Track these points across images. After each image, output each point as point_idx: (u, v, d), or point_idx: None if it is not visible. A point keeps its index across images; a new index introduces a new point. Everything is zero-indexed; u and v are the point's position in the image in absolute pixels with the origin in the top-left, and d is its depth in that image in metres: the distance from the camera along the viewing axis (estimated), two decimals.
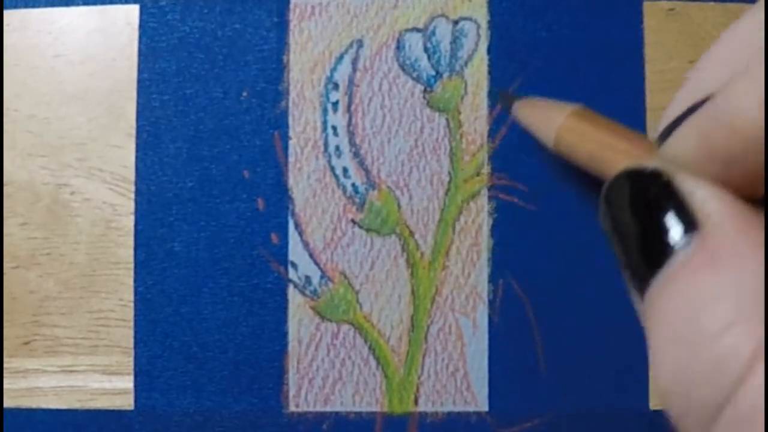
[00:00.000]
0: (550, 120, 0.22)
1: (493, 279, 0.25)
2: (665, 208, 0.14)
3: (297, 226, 0.25)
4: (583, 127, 0.21)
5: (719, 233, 0.13)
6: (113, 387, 0.25)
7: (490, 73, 0.25)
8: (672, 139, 0.15)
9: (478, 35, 0.25)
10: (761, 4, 0.14)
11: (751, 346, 0.12)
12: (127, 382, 0.25)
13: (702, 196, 0.14)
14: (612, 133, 0.20)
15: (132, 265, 0.25)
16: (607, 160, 0.19)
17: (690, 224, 0.14)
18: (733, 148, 0.13)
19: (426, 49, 0.25)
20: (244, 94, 0.25)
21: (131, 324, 0.25)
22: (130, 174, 0.25)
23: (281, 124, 0.25)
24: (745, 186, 0.14)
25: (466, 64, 0.25)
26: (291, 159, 0.25)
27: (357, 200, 0.25)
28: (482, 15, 0.25)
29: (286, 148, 0.25)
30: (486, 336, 0.24)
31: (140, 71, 0.25)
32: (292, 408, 0.24)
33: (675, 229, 0.14)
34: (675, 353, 0.13)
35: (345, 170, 0.25)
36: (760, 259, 0.13)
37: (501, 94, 0.25)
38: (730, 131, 0.13)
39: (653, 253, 0.14)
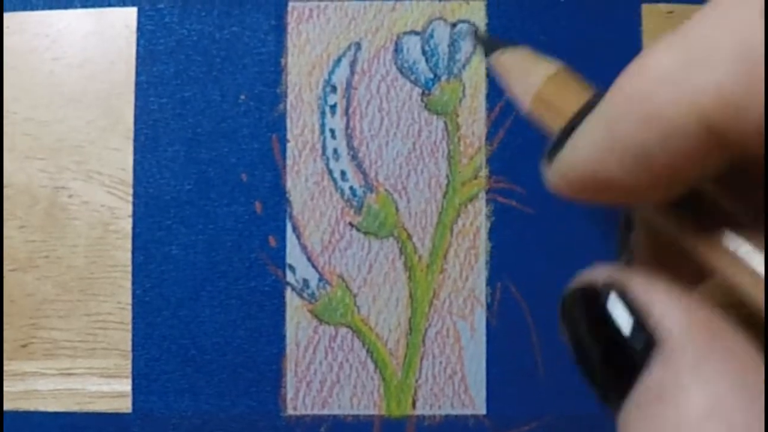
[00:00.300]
0: (527, 83, 0.20)
1: (491, 282, 0.24)
2: (623, 326, 0.13)
3: (295, 229, 0.25)
4: (557, 97, 0.19)
5: (681, 355, 0.12)
6: (111, 390, 0.25)
7: (488, 76, 0.25)
8: (573, 140, 0.13)
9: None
10: None
11: None
12: (125, 385, 0.25)
13: (660, 310, 0.12)
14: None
15: (130, 268, 0.25)
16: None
17: (650, 343, 0.12)
18: (648, 141, 0.12)
19: (424, 52, 0.25)
20: (242, 97, 0.25)
21: (129, 327, 0.25)
22: (128, 177, 0.25)
23: (279, 127, 0.25)
24: (672, 187, 0.12)
25: (464, 67, 0.25)
26: (289, 162, 0.25)
27: (355, 203, 0.25)
28: (480, 18, 0.25)
29: (284, 151, 0.25)
30: (484, 339, 0.24)
31: (138, 74, 0.25)
32: (290, 411, 0.24)
33: (636, 348, 0.12)
34: None
35: (343, 173, 0.25)
36: (731, 375, 0.12)
37: (477, 36, 0.23)
38: (645, 117, 0.11)
39: (618, 376, 0.13)
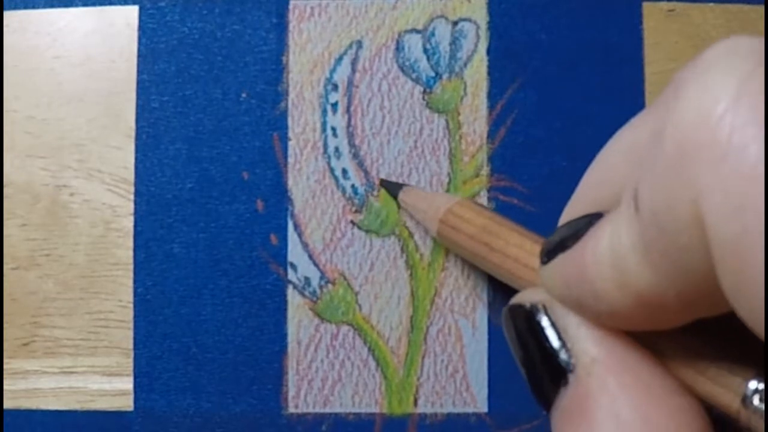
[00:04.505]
0: (433, 211, 0.22)
1: (492, 280, 0.24)
2: (550, 341, 0.14)
3: (296, 227, 0.25)
4: (460, 221, 0.21)
5: (589, 378, 0.13)
6: (113, 388, 0.25)
7: (489, 74, 0.25)
8: (544, 272, 0.15)
9: (478, 36, 0.25)
10: (650, 108, 0.13)
11: None
12: (127, 384, 0.25)
13: (574, 335, 0.14)
14: (488, 231, 0.20)
15: (131, 267, 0.25)
16: (485, 257, 0.20)
17: (569, 362, 0.14)
18: (598, 311, 0.13)
19: (425, 50, 0.25)
20: (244, 95, 0.25)
21: (131, 325, 0.25)
22: (130, 175, 0.25)
23: (280, 125, 0.25)
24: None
25: (465, 65, 0.25)
26: (290, 160, 0.25)
27: (356, 201, 0.25)
28: (482, 16, 0.25)
29: (285, 149, 0.25)
30: (485, 337, 0.24)
31: (139, 72, 0.25)
32: (292, 409, 0.24)
33: (561, 361, 0.14)
34: None
35: (344, 171, 0.25)
36: (634, 401, 0.13)
37: (383, 182, 0.25)
38: (592, 297, 0.13)
39: (552, 379, 0.14)
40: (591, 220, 0.13)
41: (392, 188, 0.25)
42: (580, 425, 0.13)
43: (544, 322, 0.14)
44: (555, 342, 0.14)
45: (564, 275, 0.14)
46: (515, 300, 0.16)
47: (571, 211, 0.15)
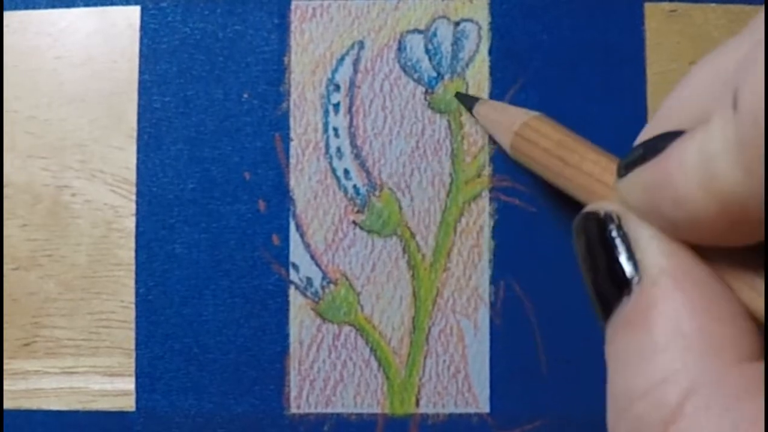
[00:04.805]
0: (508, 123, 0.22)
1: (494, 280, 0.25)
2: (618, 251, 0.14)
3: (298, 227, 0.25)
4: (536, 135, 0.21)
5: (654, 288, 0.13)
6: (114, 388, 0.25)
7: (491, 74, 0.25)
8: (622, 183, 0.15)
9: (480, 37, 0.25)
10: (747, 33, 0.14)
11: (662, 415, 0.12)
12: (129, 384, 0.25)
13: (644, 246, 0.14)
14: (563, 146, 0.20)
15: (133, 267, 0.25)
16: (559, 172, 0.20)
17: (636, 271, 0.14)
18: (677, 218, 0.13)
19: (427, 51, 0.25)
20: (245, 95, 0.25)
21: (132, 325, 0.25)
22: (131, 176, 0.25)
23: (282, 125, 0.25)
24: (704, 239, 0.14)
25: (467, 65, 0.25)
26: (292, 160, 0.25)
27: (358, 202, 0.25)
28: (483, 16, 0.25)
29: (287, 149, 0.25)
30: (487, 338, 0.24)
31: (141, 73, 0.25)
32: (294, 409, 0.24)
33: (627, 272, 0.14)
34: (610, 404, 0.14)
35: (346, 172, 0.25)
36: (697, 316, 0.13)
37: (459, 95, 0.25)
38: (673, 203, 0.13)
39: (616, 289, 0.14)
40: (673, 136, 0.14)
41: (467, 101, 0.24)
42: (639, 333, 0.13)
43: (616, 230, 0.15)
44: (624, 250, 0.14)
45: (645, 183, 0.14)
46: (589, 208, 0.16)
47: (649, 133, 0.15)
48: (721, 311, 0.13)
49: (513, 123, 0.22)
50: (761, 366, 0.12)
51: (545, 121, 0.21)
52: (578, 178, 0.19)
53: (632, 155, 0.15)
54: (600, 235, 0.15)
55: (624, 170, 0.15)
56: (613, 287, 0.14)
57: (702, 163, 0.12)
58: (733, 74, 0.12)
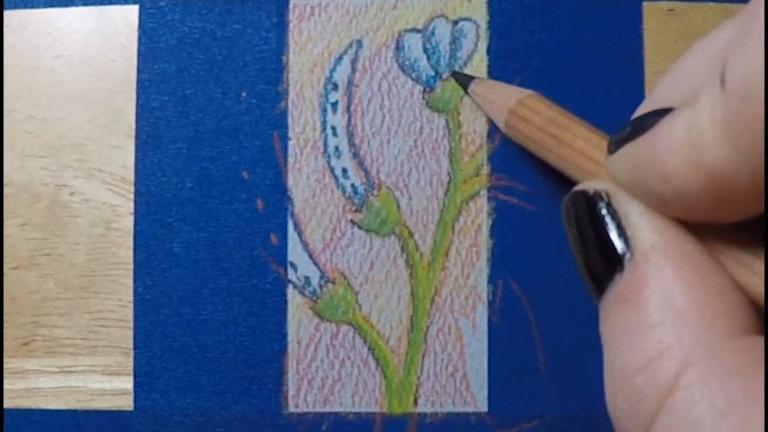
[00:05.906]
0: (503, 102, 0.22)
1: (492, 280, 0.25)
2: (609, 228, 0.14)
3: (296, 226, 0.25)
4: (530, 113, 0.21)
5: (646, 264, 0.13)
6: (113, 387, 0.25)
7: (489, 73, 0.25)
8: (611, 160, 0.15)
9: (478, 36, 0.25)
10: (738, 17, 0.14)
11: (658, 389, 0.12)
12: (127, 383, 0.25)
13: (634, 222, 0.14)
14: (556, 124, 0.20)
15: (131, 266, 0.25)
16: (551, 150, 0.20)
17: (627, 248, 0.14)
18: (665, 194, 0.13)
19: (425, 50, 0.25)
20: (244, 94, 0.25)
21: (131, 325, 0.25)
22: (130, 175, 0.25)
23: (280, 124, 0.25)
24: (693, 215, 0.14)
25: (465, 64, 0.25)
26: (290, 159, 0.25)
27: (356, 201, 0.25)
28: (482, 15, 0.25)
29: (285, 148, 0.25)
30: (485, 337, 0.24)
31: (140, 72, 0.25)
32: (292, 408, 0.24)
33: (618, 248, 0.14)
34: (607, 381, 0.14)
35: (344, 171, 0.25)
36: (690, 291, 0.13)
37: (455, 74, 0.25)
38: (661, 179, 0.13)
39: (607, 268, 0.14)
40: (662, 113, 0.14)
41: (463, 79, 0.24)
42: (632, 310, 0.13)
43: (606, 208, 0.15)
44: (615, 227, 0.14)
45: (633, 159, 0.14)
46: (579, 187, 0.16)
47: (641, 112, 0.15)
48: (714, 285, 0.13)
49: (508, 101, 0.22)
50: (755, 339, 0.12)
51: (540, 99, 0.21)
52: (570, 156, 0.19)
53: (622, 132, 0.15)
54: (590, 214, 0.15)
55: (614, 147, 0.15)
56: (605, 265, 0.14)
57: (690, 139, 0.12)
58: (721, 53, 0.12)
